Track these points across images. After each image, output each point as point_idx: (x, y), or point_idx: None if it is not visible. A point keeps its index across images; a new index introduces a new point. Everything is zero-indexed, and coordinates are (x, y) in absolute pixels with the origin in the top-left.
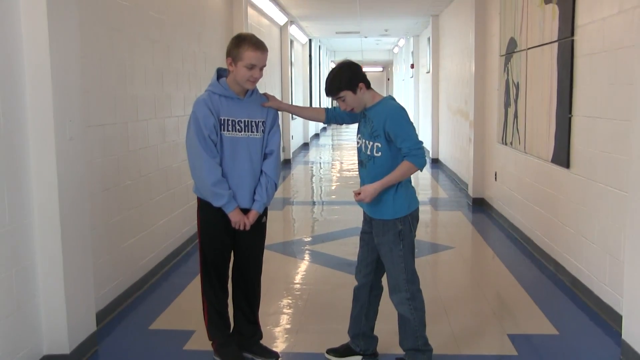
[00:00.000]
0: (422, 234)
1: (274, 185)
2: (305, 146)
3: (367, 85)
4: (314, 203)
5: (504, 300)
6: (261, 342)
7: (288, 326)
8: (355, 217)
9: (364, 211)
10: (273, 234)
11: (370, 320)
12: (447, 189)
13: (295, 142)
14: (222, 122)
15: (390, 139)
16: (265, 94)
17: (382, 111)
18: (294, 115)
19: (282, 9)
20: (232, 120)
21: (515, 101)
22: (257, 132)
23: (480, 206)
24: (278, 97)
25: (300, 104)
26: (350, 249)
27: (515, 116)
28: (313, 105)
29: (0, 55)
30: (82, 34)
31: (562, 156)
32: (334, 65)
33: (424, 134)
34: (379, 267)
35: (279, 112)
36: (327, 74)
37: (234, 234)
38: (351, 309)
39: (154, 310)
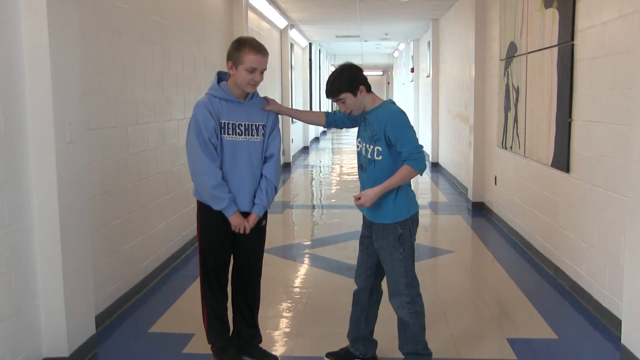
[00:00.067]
0: (421, 238)
1: (274, 188)
2: (305, 150)
3: (368, 88)
4: (313, 207)
5: (503, 304)
6: (261, 345)
7: (287, 330)
8: (355, 220)
9: (363, 215)
10: (273, 237)
11: (370, 324)
12: (447, 193)
13: (295, 146)
14: (223, 125)
15: (390, 142)
16: (265, 98)
17: (382, 115)
18: (294, 119)
19: (283, 12)
20: (233, 124)
21: (515, 105)
22: (257, 135)
23: (480, 210)
24: (278, 100)
25: (300, 108)
26: (350, 252)
27: (515, 120)
28: (313, 109)
29: (1, 57)
30: (82, 37)
31: (562, 160)
32: (334, 69)
33: (424, 138)
34: (378, 271)
35: (279, 116)
36: (327, 77)
37: (233, 237)
38: (351, 313)
39: (153, 313)
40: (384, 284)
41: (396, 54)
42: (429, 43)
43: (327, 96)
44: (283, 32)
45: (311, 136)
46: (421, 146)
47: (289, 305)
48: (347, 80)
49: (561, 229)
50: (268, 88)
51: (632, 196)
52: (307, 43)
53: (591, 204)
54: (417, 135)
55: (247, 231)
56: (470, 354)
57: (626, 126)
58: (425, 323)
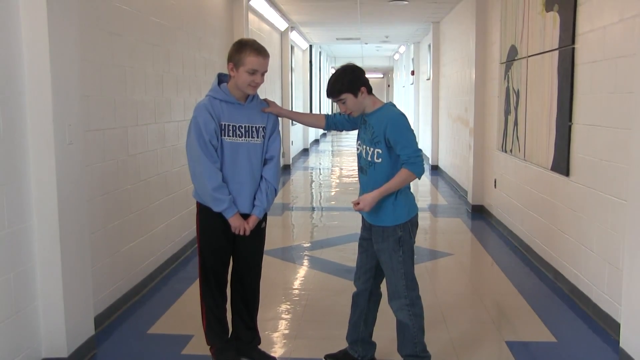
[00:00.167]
0: (421, 240)
1: (274, 190)
2: (305, 152)
3: (369, 90)
4: (313, 209)
5: (502, 307)
6: (259, 347)
7: (286, 332)
8: (354, 223)
9: (363, 217)
10: (272, 239)
11: (369, 326)
12: (446, 196)
13: (295, 148)
14: (223, 127)
15: (390, 145)
16: (265, 100)
17: (383, 117)
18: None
19: (283, 14)
20: (233, 126)
21: (516, 109)
22: (257, 137)
23: (479, 213)
24: (278, 102)
25: (301, 110)
26: (349, 255)
27: (515, 124)
28: (313, 112)
29: (0, 58)
30: (82, 39)
31: (561, 164)
32: (334, 71)
33: (424, 141)
34: (378, 274)
35: (279, 118)
36: (329, 77)
37: (233, 239)
38: (350, 315)
39: (152, 314)
40: (383, 287)
41: (396, 56)
42: (429, 46)
43: (328, 96)
44: (283, 34)
45: (311, 138)
46: (420, 150)
47: (288, 307)
48: (348, 80)
49: (561, 232)
50: (268, 90)
51: (632, 200)
52: (307, 45)
53: (591, 207)
54: (417, 139)
55: (247, 233)
56: (469, 357)
57: (626, 130)
58: (424, 325)
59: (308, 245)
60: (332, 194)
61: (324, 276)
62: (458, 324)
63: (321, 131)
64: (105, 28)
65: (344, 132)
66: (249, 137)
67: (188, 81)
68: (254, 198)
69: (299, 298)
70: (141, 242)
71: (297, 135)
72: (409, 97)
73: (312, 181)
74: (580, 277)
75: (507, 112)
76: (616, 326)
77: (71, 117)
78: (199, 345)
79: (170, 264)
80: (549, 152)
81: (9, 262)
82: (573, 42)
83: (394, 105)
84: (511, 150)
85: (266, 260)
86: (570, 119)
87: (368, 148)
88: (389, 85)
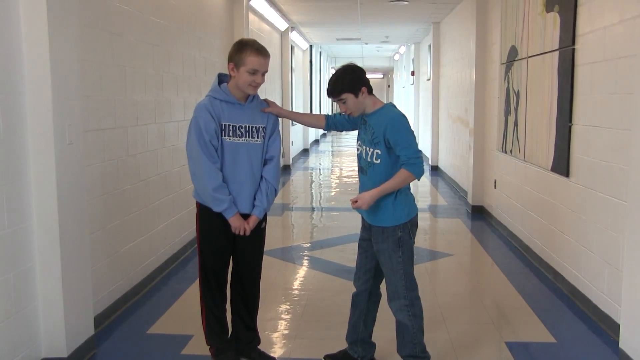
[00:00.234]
0: (421, 241)
1: (274, 191)
2: (305, 152)
3: (370, 90)
4: (313, 209)
5: (502, 308)
6: (259, 347)
7: (286, 332)
8: (354, 223)
9: (362, 218)
10: (272, 239)
11: (369, 327)
12: (446, 197)
13: (295, 148)
14: (223, 127)
15: (390, 146)
16: (265, 100)
17: (383, 118)
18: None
19: (283, 15)
20: (233, 126)
21: (516, 109)
22: (257, 137)
23: (479, 214)
24: (278, 103)
25: (301, 110)
26: (349, 255)
27: (516, 124)
28: (313, 112)
29: (0, 59)
30: (82, 38)
31: (561, 165)
32: (334, 71)
33: (424, 141)
34: (377, 274)
35: (279, 118)
36: (330, 77)
37: (233, 239)
38: (349, 316)
39: (152, 314)
40: (383, 287)
41: (397, 57)
42: (429, 46)
43: (329, 95)
44: (284, 35)
45: (311, 139)
46: (420, 151)
47: (288, 307)
48: (349, 80)
49: (560, 233)
50: (268, 90)
51: (632, 201)
52: (307, 45)
53: (591, 208)
54: (417, 140)
55: (247, 233)
56: (469, 358)
57: (626, 131)
58: (423, 326)
59: (308, 245)
60: (332, 194)
61: (323, 276)
62: (458, 324)
63: (321, 131)
64: (106, 28)
65: (344, 132)
66: (249, 137)
67: (188, 81)
68: (254, 198)
69: (298, 298)
70: (141, 242)
71: (297, 136)
72: (409, 98)
73: (312, 181)
74: (580, 278)
75: (507, 113)
76: (616, 327)
77: (71, 117)
78: (199, 345)
79: (170, 264)
80: (549, 152)
81: (8, 262)
82: (573, 42)
83: (394, 106)
84: (511, 151)
85: (266, 260)
86: (570, 120)
87: (368, 148)
88: (389, 86)
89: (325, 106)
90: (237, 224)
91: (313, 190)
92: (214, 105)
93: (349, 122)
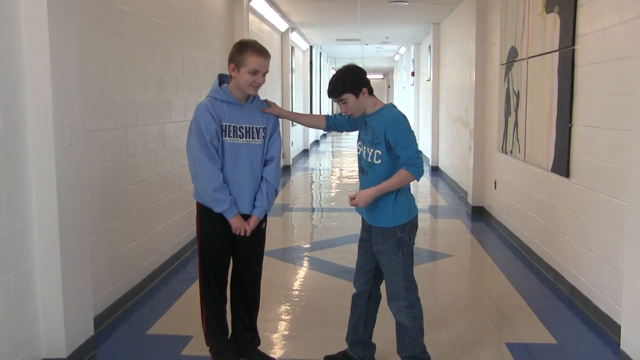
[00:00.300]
0: (421, 241)
1: (274, 191)
2: (305, 153)
3: (370, 91)
4: (313, 210)
5: (502, 309)
6: (259, 348)
7: (286, 333)
8: (354, 224)
9: (362, 218)
10: (272, 240)
11: (369, 328)
12: (446, 197)
13: (295, 149)
14: (224, 128)
15: (390, 146)
16: (266, 101)
17: (383, 118)
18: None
19: (283, 15)
20: (234, 126)
21: (516, 110)
22: (257, 138)
23: (479, 214)
24: (278, 103)
25: (301, 111)
26: (349, 256)
27: (516, 125)
28: (313, 112)
29: (0, 59)
30: (82, 39)
31: (562, 165)
32: (334, 72)
33: (424, 142)
34: (377, 275)
35: (279, 119)
36: (330, 78)
37: (233, 239)
38: (349, 316)
39: (152, 315)
40: (383, 288)
41: (397, 57)
42: (429, 47)
43: (329, 95)
44: (284, 35)
45: (311, 139)
46: (420, 152)
47: (288, 308)
48: (350, 81)
49: (561, 233)
50: (269, 91)
51: (632, 201)
52: (307, 46)
53: (591, 209)
54: (417, 140)
55: (248, 234)
56: (469, 359)
57: (626, 132)
58: (423, 327)
59: (308, 246)
60: (332, 194)
61: (323, 277)
62: (458, 325)
63: (321, 132)
64: (106, 28)
65: (344, 133)
66: (249, 137)
67: (188, 82)
68: (255, 199)
69: (298, 299)
70: (141, 243)
71: (297, 136)
72: (409, 98)
73: (312, 182)
74: (581, 279)
75: (507, 114)
76: (617, 328)
77: (71, 118)
78: (199, 345)
79: (170, 264)
80: (549, 153)
81: (8, 263)
82: (573, 43)
83: (395, 106)
84: (511, 152)
85: (266, 261)
86: (570, 121)
87: (368, 149)
88: (389, 86)
89: (326, 107)
90: (237, 225)
91: (313, 191)
92: (215, 106)
93: (349, 122)
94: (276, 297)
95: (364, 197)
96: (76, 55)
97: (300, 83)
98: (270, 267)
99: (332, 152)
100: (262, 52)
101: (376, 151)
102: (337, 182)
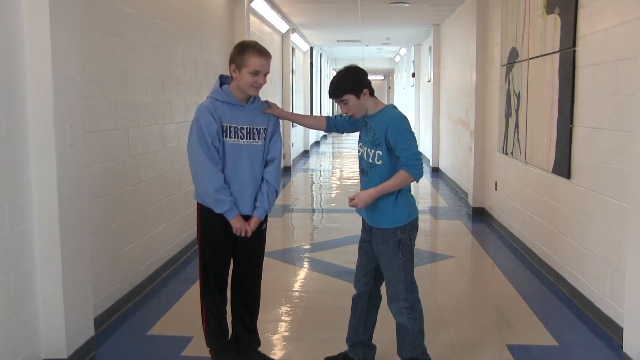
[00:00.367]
0: (421, 243)
1: (275, 192)
2: (306, 154)
3: (371, 92)
4: (313, 210)
5: (503, 310)
6: (259, 349)
7: (286, 334)
8: (354, 225)
9: (363, 219)
10: (272, 241)
11: (369, 329)
12: (447, 198)
13: (296, 150)
14: (225, 128)
15: (390, 147)
16: (266, 102)
17: (384, 119)
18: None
19: (284, 16)
20: (235, 127)
21: (516, 111)
22: (258, 139)
23: (480, 216)
24: (279, 104)
25: (301, 112)
26: (349, 257)
27: (516, 126)
28: (314, 113)
29: (2, 59)
30: (83, 40)
31: (563, 167)
32: (335, 73)
33: (425, 143)
34: (377, 276)
35: (280, 120)
36: (331, 79)
37: (234, 240)
38: (350, 318)
39: (152, 315)
40: (383, 289)
41: (397, 58)
42: (430, 48)
43: (330, 96)
44: (284, 36)
45: (312, 140)
46: (420, 153)
47: (288, 309)
48: (351, 81)
49: (562, 235)
50: (269, 92)
51: (634, 203)
52: (308, 47)
53: (592, 210)
54: (417, 142)
55: (249, 234)
56: None
57: (628, 132)
58: (424, 328)
59: (308, 247)
60: (333, 195)
61: (324, 278)
62: (458, 327)
63: (322, 133)
64: (107, 29)
65: (344, 134)
66: (250, 138)
67: (189, 82)
68: (255, 199)
69: (299, 300)
70: (141, 243)
71: (297, 137)
72: (409, 99)
73: (312, 183)
74: (582, 280)
75: (507, 115)
76: (619, 330)
77: (72, 118)
78: (199, 346)
79: (170, 265)
80: (550, 154)
81: (9, 263)
82: (574, 44)
83: (395, 107)
84: (512, 153)
85: (266, 262)
86: (571, 122)
87: (369, 150)
88: (389, 88)
89: (326, 108)
90: (238, 225)
91: (313, 192)
92: (216, 107)
93: (350, 123)
94: (276, 298)
95: (363, 198)
96: (77, 56)
97: (300, 84)
98: (270, 268)
99: (333, 153)
100: (263, 53)
101: (377, 152)
102: (338, 183)
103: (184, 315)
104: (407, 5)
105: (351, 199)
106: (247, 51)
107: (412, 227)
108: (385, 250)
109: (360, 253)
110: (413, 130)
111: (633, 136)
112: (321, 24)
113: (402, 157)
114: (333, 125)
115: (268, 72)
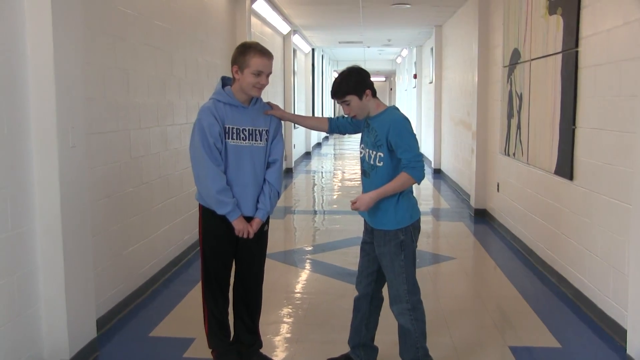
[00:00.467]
0: (423, 244)
1: (277, 193)
2: (307, 155)
3: (373, 93)
4: (315, 212)
5: (505, 312)
6: (261, 351)
7: (288, 335)
8: (356, 226)
9: (365, 221)
10: (274, 242)
11: (371, 331)
12: (449, 200)
13: (298, 151)
14: (227, 130)
15: (392, 148)
16: (268, 103)
17: (386, 120)
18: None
19: (286, 18)
20: (237, 129)
21: (519, 112)
22: (260, 140)
23: (482, 217)
24: (281, 106)
25: (303, 113)
26: (351, 258)
27: (518, 127)
28: (316, 115)
29: (5, 61)
30: (85, 42)
31: (565, 168)
32: (337, 74)
33: (427, 144)
34: (379, 278)
35: (282, 121)
36: (334, 79)
37: (236, 242)
38: (351, 319)
39: (154, 317)
40: (385, 291)
41: (399, 60)
42: (431, 49)
43: (333, 97)
44: (286, 38)
45: (313, 142)
46: (421, 155)
47: (290, 310)
48: (354, 82)
49: (564, 236)
50: (271, 93)
51: (637, 204)
52: (309, 49)
53: (595, 211)
54: (419, 144)
55: (251, 236)
56: None
57: (631, 134)
58: (426, 330)
59: (310, 248)
60: (334, 197)
61: (325, 280)
62: (461, 328)
63: (323, 135)
64: (109, 31)
65: (346, 135)
66: (252, 140)
67: (191, 84)
68: (257, 201)
69: (300, 302)
70: (143, 245)
71: (299, 139)
72: (411, 101)
73: (314, 184)
74: (585, 282)
75: (510, 116)
76: (622, 332)
77: (74, 120)
78: (201, 348)
79: (172, 266)
80: (553, 155)
81: (11, 265)
82: (576, 45)
83: (397, 109)
84: (514, 154)
85: (268, 263)
86: (574, 123)
87: (371, 151)
88: (391, 89)
89: (328, 109)
90: (240, 227)
91: (315, 194)
92: (218, 108)
93: (352, 125)
94: (278, 300)
95: (364, 201)
96: (79, 58)
97: (302, 85)
98: (272, 270)
99: (334, 154)
100: (265, 53)
101: (378, 153)
102: (339, 184)
103: (186, 317)
104: (409, 6)
105: (353, 202)
106: (249, 52)
107: (414, 228)
108: (387, 251)
109: (362, 255)
110: (415, 131)
111: (636, 137)
112: (323, 26)
113: (404, 159)
114: (335, 127)
115: (270, 73)
